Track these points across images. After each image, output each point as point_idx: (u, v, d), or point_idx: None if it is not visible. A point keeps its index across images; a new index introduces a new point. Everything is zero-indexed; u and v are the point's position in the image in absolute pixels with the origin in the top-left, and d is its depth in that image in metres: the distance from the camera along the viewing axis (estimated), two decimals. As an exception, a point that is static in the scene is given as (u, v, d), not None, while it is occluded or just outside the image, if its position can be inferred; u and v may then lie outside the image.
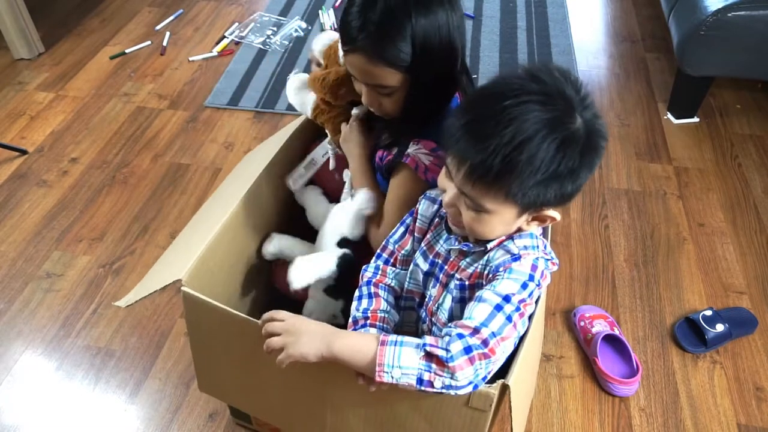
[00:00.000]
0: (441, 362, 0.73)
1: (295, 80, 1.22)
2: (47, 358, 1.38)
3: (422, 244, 0.96)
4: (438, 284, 0.93)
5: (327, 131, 1.22)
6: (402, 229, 1.01)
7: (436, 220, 0.96)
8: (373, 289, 0.99)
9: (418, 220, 0.98)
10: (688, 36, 1.84)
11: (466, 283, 0.88)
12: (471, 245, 0.88)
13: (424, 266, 0.94)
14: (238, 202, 1.10)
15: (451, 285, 0.90)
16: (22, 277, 1.55)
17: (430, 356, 0.74)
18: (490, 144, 0.72)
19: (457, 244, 0.89)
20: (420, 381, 0.74)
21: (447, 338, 0.75)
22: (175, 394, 1.30)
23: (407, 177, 1.05)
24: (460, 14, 0.97)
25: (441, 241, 0.93)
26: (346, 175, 1.20)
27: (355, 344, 0.77)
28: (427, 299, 0.96)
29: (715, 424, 1.26)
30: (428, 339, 0.75)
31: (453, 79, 1.02)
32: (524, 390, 0.95)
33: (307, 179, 1.26)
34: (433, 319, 0.94)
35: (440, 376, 0.73)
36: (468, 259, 0.89)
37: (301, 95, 1.22)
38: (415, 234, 0.98)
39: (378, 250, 1.03)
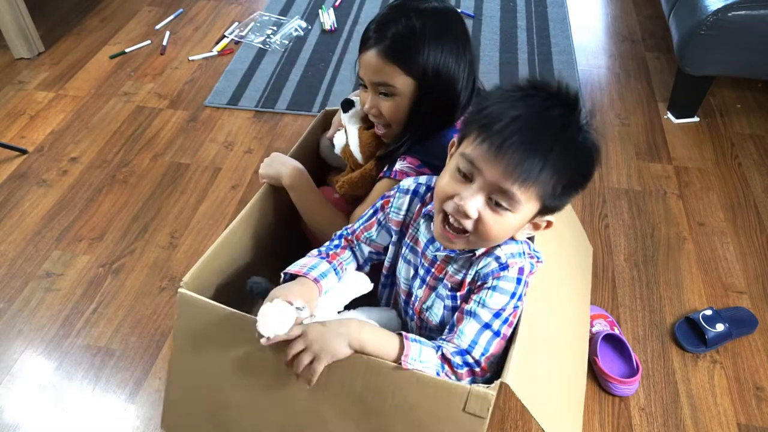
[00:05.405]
0: (452, 368, 0.84)
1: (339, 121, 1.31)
2: (47, 357, 1.37)
3: (406, 238, 0.97)
4: (425, 286, 0.94)
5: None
6: (370, 212, 1.02)
7: (415, 211, 0.97)
8: (344, 242, 1.03)
9: (392, 213, 0.98)
10: (688, 35, 1.84)
11: (457, 294, 0.90)
12: (457, 251, 0.88)
13: (414, 259, 0.96)
14: (246, 210, 1.13)
15: (441, 290, 0.92)
16: (22, 276, 1.55)
17: (444, 358, 0.84)
18: (543, 146, 0.78)
19: (443, 249, 0.90)
20: (438, 374, 0.83)
21: (458, 358, 0.84)
22: (175, 394, 1.30)
23: (390, 186, 1.08)
24: (470, 58, 1.07)
25: (422, 238, 0.94)
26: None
27: (379, 337, 0.83)
28: (413, 299, 0.97)
29: (715, 423, 1.26)
30: (445, 347, 0.85)
31: (453, 110, 1.08)
32: (557, 395, 0.92)
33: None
34: (422, 317, 0.96)
35: (449, 377, 0.84)
36: (455, 266, 0.90)
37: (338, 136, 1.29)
38: (393, 227, 0.99)
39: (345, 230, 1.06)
